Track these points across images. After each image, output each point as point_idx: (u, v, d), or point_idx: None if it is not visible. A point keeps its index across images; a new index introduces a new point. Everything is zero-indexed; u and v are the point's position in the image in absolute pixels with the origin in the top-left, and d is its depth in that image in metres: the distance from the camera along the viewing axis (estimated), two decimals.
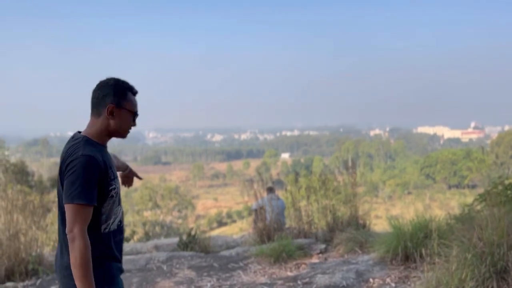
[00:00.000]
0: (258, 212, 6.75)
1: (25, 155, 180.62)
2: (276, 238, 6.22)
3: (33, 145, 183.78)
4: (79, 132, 2.08)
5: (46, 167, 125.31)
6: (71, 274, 1.82)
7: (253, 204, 7.41)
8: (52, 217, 22.19)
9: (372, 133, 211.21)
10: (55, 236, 21.31)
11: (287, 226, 7.10)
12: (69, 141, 2.03)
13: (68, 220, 1.82)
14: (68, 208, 1.83)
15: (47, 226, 22.37)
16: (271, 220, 6.63)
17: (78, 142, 1.98)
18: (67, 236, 1.83)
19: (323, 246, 6.21)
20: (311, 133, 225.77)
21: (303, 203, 7.23)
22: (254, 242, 6.51)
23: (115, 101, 2.05)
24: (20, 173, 26.46)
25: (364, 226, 6.80)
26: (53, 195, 24.39)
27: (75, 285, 1.81)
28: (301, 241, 6.34)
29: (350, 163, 7.81)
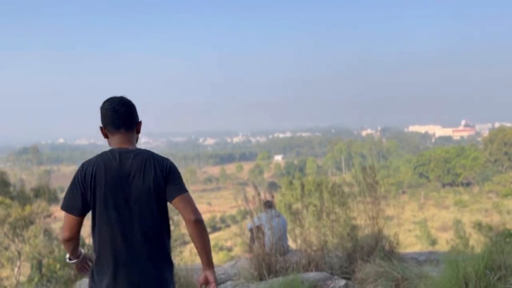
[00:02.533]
0: (254, 233, 5.36)
1: (16, 163, 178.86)
2: (279, 270, 5.07)
3: (23, 153, 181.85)
4: (126, 147, 2.33)
5: (36, 175, 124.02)
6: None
7: (248, 223, 6.11)
8: (35, 230, 20.97)
9: (364, 133, 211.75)
10: (37, 250, 20.03)
11: (290, 248, 5.97)
12: (139, 155, 2.30)
13: (192, 205, 2.27)
14: (187, 196, 2.28)
15: (29, 239, 21.22)
16: (272, 244, 5.32)
17: (152, 153, 2.36)
18: (194, 218, 2.25)
19: (342, 283, 4.75)
20: (303, 134, 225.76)
21: (309, 219, 6.03)
22: (250, 276, 5.21)
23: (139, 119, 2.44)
24: (0, 184, 25.58)
25: (391, 250, 5.31)
26: (36, 206, 23.19)
27: None
28: (313, 275, 4.86)
29: (368, 169, 6.07)
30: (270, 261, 5.09)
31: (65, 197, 2.23)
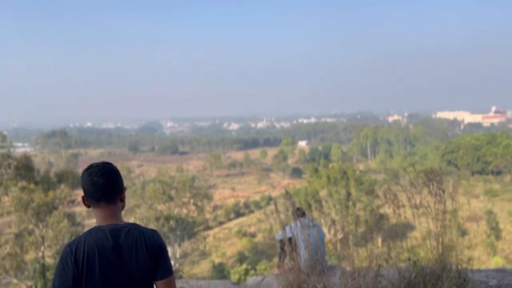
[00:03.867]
0: (286, 245, 4.34)
1: (44, 146, 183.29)
2: None
3: (52, 137, 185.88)
4: (115, 224, 2.23)
5: (64, 158, 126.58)
6: None
7: (278, 233, 5.15)
8: (58, 215, 21.11)
9: (390, 119, 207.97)
10: (61, 235, 20.23)
11: (329, 264, 5.22)
12: (129, 232, 2.21)
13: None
14: (172, 282, 2.27)
15: (52, 225, 21.41)
16: (308, 259, 4.30)
17: (140, 229, 2.26)
18: None
19: None
20: (328, 120, 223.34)
21: (336, 207, 5.32)
22: None
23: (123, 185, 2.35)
24: (25, 169, 25.77)
25: (459, 275, 4.13)
26: (59, 191, 23.34)
27: None
28: None
29: (430, 174, 4.63)
30: (304, 281, 4.09)
31: (55, 279, 2.13)
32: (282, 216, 4.45)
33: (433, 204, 4.38)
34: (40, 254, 22.24)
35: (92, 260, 2.11)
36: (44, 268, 5.81)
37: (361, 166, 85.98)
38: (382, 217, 35.76)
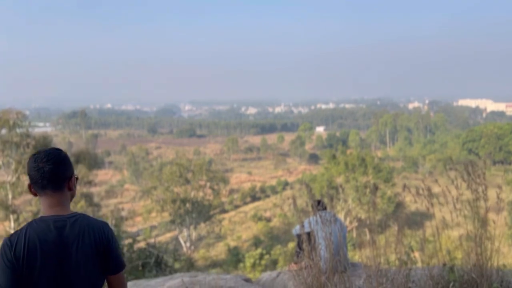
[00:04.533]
0: (303, 240, 3.85)
1: (65, 127, 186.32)
2: None
3: (73, 117, 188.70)
4: (60, 214, 2.07)
5: (84, 139, 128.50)
6: None
7: (295, 227, 4.67)
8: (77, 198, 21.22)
9: (410, 106, 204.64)
10: None
11: (351, 262, 4.80)
12: (76, 223, 2.07)
13: (124, 284, 2.20)
14: (122, 278, 2.17)
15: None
16: (329, 257, 3.76)
17: (88, 219, 2.12)
18: None
19: None
20: (347, 106, 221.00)
21: (352, 195, 4.90)
22: None
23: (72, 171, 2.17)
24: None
25: (502, 283, 3.68)
26: (76, 172, 23.69)
27: None
28: None
29: (471, 170, 3.93)
30: (324, 284, 3.63)
31: None
32: (299, 205, 4.10)
33: (472, 201, 3.91)
34: None
35: (33, 254, 1.95)
36: None
37: (379, 153, 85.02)
38: (399, 205, 35.40)
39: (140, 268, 6.10)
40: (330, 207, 4.50)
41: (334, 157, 38.62)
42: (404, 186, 3.87)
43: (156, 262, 6.11)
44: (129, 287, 4.85)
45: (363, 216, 35.55)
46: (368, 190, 33.02)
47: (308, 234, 3.88)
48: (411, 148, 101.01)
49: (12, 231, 23.92)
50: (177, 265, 7.29)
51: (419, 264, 4.74)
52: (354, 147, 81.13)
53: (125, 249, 6.34)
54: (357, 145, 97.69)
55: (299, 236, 4.37)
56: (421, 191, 3.68)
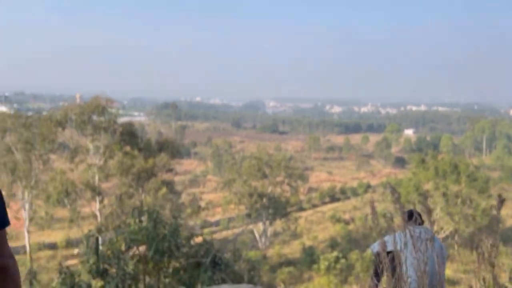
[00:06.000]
0: (383, 263, 2.71)
1: (157, 117, 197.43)
2: None
3: (164, 109, 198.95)
4: None
5: (173, 129, 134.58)
6: None
7: (374, 243, 3.50)
8: (156, 182, 21.80)
9: None
10: (159, 202, 20.91)
11: None
12: None
13: (3, 245, 1.67)
14: (2, 232, 1.74)
15: (150, 191, 22.16)
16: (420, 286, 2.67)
17: None
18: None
19: None
20: (440, 109, 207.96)
21: (441, 204, 3.61)
22: None
23: None
24: (129, 135, 27.22)
25: None
26: (159, 159, 24.20)
27: None
28: None
29: None
30: None
31: None
32: (380, 211, 3.00)
33: None
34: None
35: None
36: (97, 242, 5.24)
37: (474, 161, 78.58)
38: (494, 219, 31.94)
39: (196, 267, 5.50)
40: (427, 222, 3.28)
41: (423, 161, 35.84)
42: (500, 198, 2.71)
43: (213, 262, 5.47)
44: None
45: (450, 228, 32.68)
46: (459, 200, 30.21)
47: (390, 253, 2.77)
48: (511, 157, 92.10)
49: (97, 213, 25.16)
50: (242, 265, 6.62)
51: None
52: (446, 153, 75.68)
53: (183, 242, 5.79)
54: (450, 151, 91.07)
55: (378, 255, 3.18)
56: None
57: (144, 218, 5.58)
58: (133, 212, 5.51)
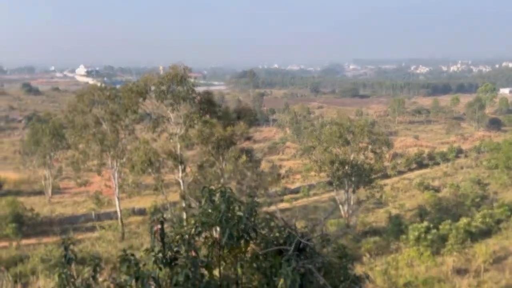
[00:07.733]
0: None
1: (236, 86, 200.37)
2: None
3: (243, 77, 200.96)
4: None
5: (251, 97, 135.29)
6: None
7: None
8: (235, 150, 21.42)
9: None
10: (239, 169, 20.35)
11: None
12: None
13: None
14: None
15: (229, 159, 21.78)
16: None
17: None
18: None
19: None
20: None
21: None
22: None
23: None
24: (207, 104, 26.99)
25: None
26: (237, 128, 23.73)
27: None
28: None
29: None
30: None
31: None
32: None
33: None
34: (220, 185, 23.56)
35: None
36: (163, 226, 4.51)
37: None
38: None
39: (277, 254, 4.62)
40: None
41: None
42: None
43: (297, 249, 4.54)
44: None
45: None
46: None
47: None
48: None
49: (180, 181, 25.39)
50: (328, 251, 5.64)
51: None
52: None
53: (262, 224, 4.93)
54: None
55: None
56: None
57: (216, 197, 4.75)
58: (203, 191, 4.70)
